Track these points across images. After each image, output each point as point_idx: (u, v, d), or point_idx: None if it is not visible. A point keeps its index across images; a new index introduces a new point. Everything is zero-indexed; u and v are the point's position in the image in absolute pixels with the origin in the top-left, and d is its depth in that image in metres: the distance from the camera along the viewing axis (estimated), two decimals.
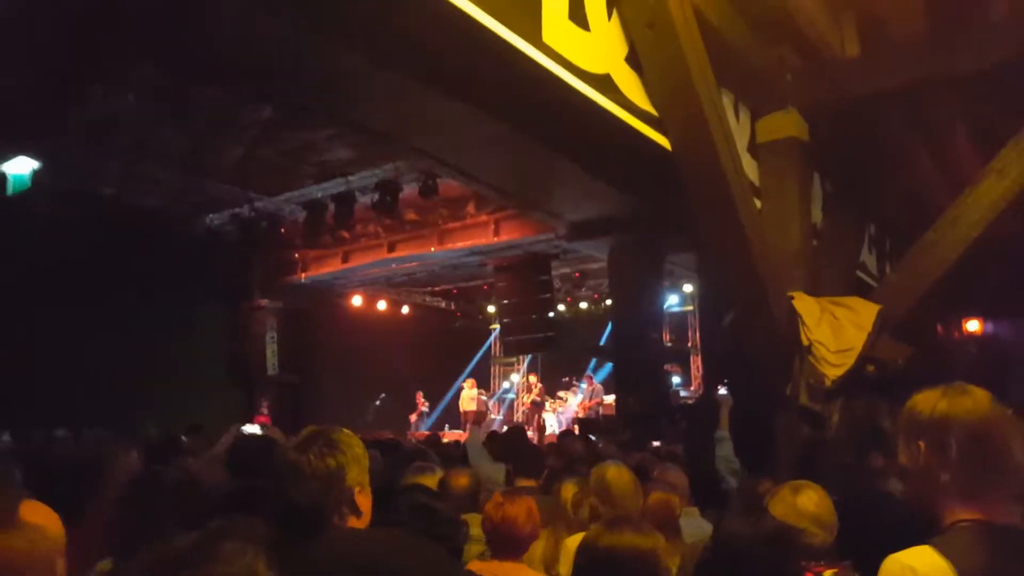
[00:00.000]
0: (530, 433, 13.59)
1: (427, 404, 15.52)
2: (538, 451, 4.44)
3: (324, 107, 6.47)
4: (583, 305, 16.85)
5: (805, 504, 2.47)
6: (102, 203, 10.21)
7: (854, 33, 5.53)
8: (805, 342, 4.47)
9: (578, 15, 4.20)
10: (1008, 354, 10.54)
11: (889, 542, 1.61)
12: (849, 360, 4.29)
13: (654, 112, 4.56)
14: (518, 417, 16.79)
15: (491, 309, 17.12)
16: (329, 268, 13.40)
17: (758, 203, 5.31)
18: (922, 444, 1.64)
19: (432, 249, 12.30)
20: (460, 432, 13.75)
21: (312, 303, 14.39)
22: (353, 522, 1.71)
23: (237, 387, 13.07)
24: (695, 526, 3.37)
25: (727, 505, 3.66)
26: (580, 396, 14.79)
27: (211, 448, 4.96)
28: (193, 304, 12.10)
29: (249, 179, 10.27)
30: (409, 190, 9.70)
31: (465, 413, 14.85)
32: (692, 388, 14.29)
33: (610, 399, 12.84)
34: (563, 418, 14.31)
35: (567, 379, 15.42)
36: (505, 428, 11.97)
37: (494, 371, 18.75)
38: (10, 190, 8.55)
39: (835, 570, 2.26)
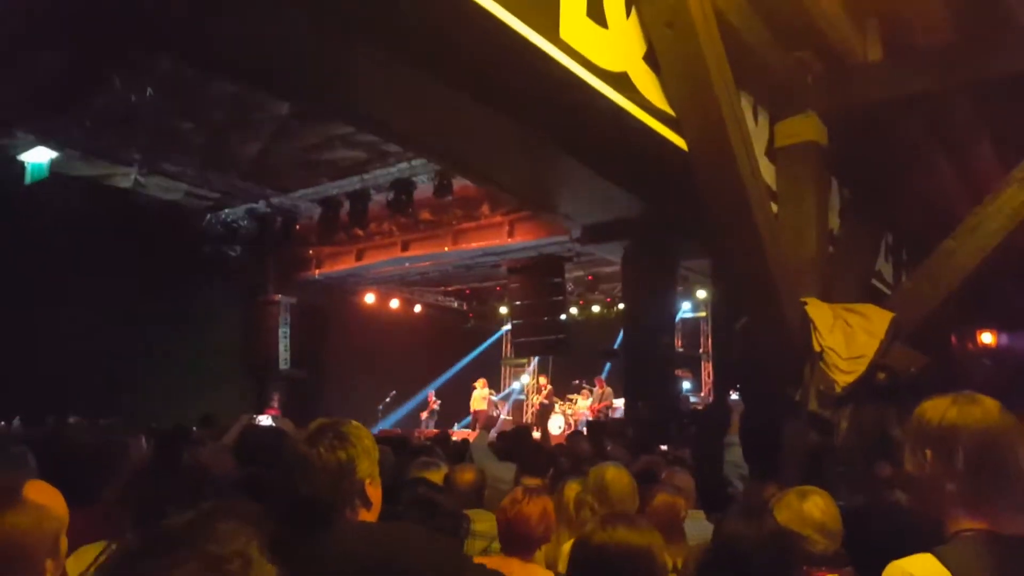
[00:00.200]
0: (537, 434, 13.58)
1: (438, 403, 15.55)
2: (544, 451, 4.43)
3: (339, 104, 6.50)
4: (595, 308, 16.80)
5: (811, 510, 2.45)
6: (118, 195, 10.32)
7: (878, 38, 5.48)
8: (817, 348, 4.43)
9: (596, 12, 4.19)
10: (1021, 367, 10.40)
11: (895, 551, 1.58)
12: (860, 367, 4.24)
13: (671, 112, 4.53)
14: (527, 418, 16.77)
15: (503, 310, 17.11)
16: (343, 265, 13.47)
17: (774, 207, 5.27)
18: (929, 452, 1.62)
19: (446, 249, 12.33)
20: (470, 431, 13.76)
21: (325, 300, 14.47)
22: (364, 515, 1.70)
23: (249, 381, 13.18)
24: (701, 529, 3.34)
25: (733, 508, 3.63)
26: (591, 399, 14.76)
27: (221, 439, 4.99)
28: (207, 298, 12.21)
29: (265, 175, 10.35)
30: (424, 189, 9.74)
31: (476, 412, 14.85)
32: (702, 394, 14.22)
33: (620, 402, 12.79)
34: (572, 420, 14.28)
35: (577, 382, 15.39)
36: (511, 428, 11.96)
37: (504, 372, 18.74)
38: (28, 179, 8.66)
39: (836, 575, 2.24)
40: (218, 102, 8.11)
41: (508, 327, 16.47)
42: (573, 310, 15.91)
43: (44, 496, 1.51)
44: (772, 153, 5.64)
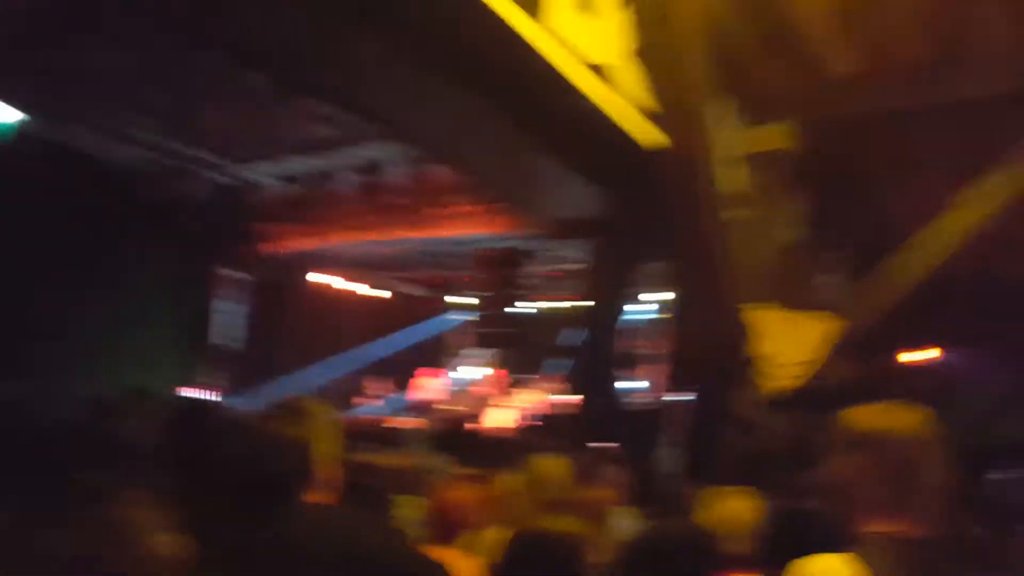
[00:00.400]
0: (483, 425, 13.58)
1: (384, 389, 15.40)
2: (481, 441, 4.43)
3: (310, 80, 6.37)
4: (559, 304, 16.85)
5: (732, 511, 2.48)
6: (73, 156, 9.98)
7: (856, 53, 5.56)
8: (757, 353, 4.49)
9: (585, 1, 4.15)
10: (954, 382, 10.74)
11: (813, 553, 1.61)
12: (797, 373, 4.32)
13: (648, 109, 4.53)
14: (478, 409, 16.76)
15: (464, 300, 17.05)
16: (304, 245, 13.22)
17: (740, 212, 5.32)
18: (848, 458, 1.65)
19: (412, 235, 12.21)
20: (416, 419, 13.69)
21: (282, 278, 14.22)
22: (322, 496, 1.65)
23: (198, 356, 12.90)
24: (631, 524, 3.36)
25: (663, 506, 3.67)
26: (542, 393, 14.81)
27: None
28: (159, 268, 11.89)
29: (228, 145, 10.10)
30: (393, 173, 9.62)
31: (424, 401, 14.79)
32: (652, 394, 14.35)
33: (568, 398, 12.84)
34: (520, 413, 14.30)
35: (530, 375, 15.43)
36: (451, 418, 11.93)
37: (457, 362, 18.69)
38: None
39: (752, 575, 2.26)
40: (184, 68, 7.89)
41: (468, 317, 16.44)
42: (535, 304, 15.93)
43: None
44: (744, 158, 5.69)
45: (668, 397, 6.91)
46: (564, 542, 2.01)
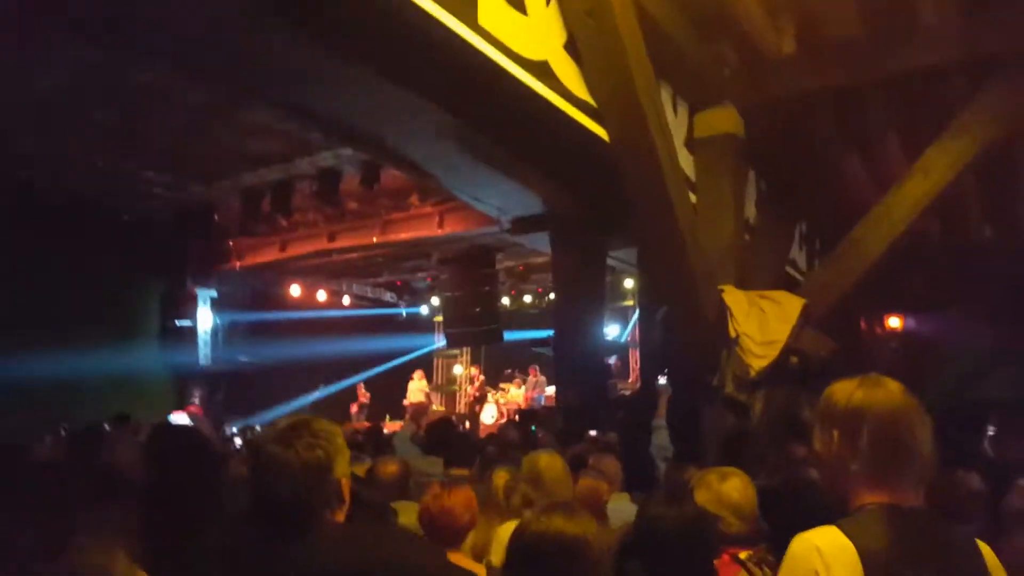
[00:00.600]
0: (468, 424, 13.61)
1: (368, 395, 15.34)
2: (468, 440, 4.44)
3: (257, 88, 6.29)
4: (527, 299, 16.90)
5: (729, 492, 2.53)
6: (25, 185, 9.72)
7: (792, 33, 5.65)
8: (733, 334, 4.58)
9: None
10: (926, 349, 11.05)
11: (805, 527, 1.65)
12: (773, 352, 4.42)
13: (592, 102, 4.55)
14: (460, 409, 16.77)
15: (435, 301, 17.01)
16: (266, 257, 13.08)
17: (693, 198, 5.39)
18: (836, 433, 1.69)
19: (374, 240, 12.13)
20: (402, 423, 13.64)
21: (248, 292, 14.03)
22: (339, 516, 1.64)
23: (168, 377, 12.67)
24: (626, 511, 3.41)
25: (657, 490, 3.73)
26: (524, 388, 14.87)
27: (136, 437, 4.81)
28: (123, 292, 11.67)
29: (183, 164, 9.93)
30: (350, 179, 9.54)
31: (412, 405, 14.75)
32: (630, 380, 14.52)
33: (552, 390, 12.93)
34: (505, 409, 14.35)
35: (510, 371, 15.47)
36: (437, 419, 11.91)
37: (437, 363, 18.66)
38: None
39: (750, 551, 2.33)
40: (132, 89, 7.73)
41: (440, 318, 16.39)
42: (505, 300, 15.96)
43: None
44: (691, 144, 5.76)
45: (652, 382, 6.99)
46: (560, 538, 2.02)
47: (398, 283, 17.13)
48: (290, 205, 10.07)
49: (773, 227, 6.52)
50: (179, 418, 10.30)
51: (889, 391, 1.67)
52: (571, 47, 4.44)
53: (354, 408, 14.90)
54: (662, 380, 6.87)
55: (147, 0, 4.64)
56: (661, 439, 4.47)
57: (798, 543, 1.58)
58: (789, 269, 7.21)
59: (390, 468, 3.32)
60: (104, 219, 11.00)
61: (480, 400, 15.13)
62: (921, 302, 11.51)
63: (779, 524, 2.45)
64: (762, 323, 4.53)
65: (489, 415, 13.86)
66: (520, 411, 12.94)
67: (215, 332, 13.30)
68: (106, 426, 6.19)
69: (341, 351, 15.05)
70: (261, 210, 10.18)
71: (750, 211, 6.42)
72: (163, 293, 12.96)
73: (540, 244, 11.01)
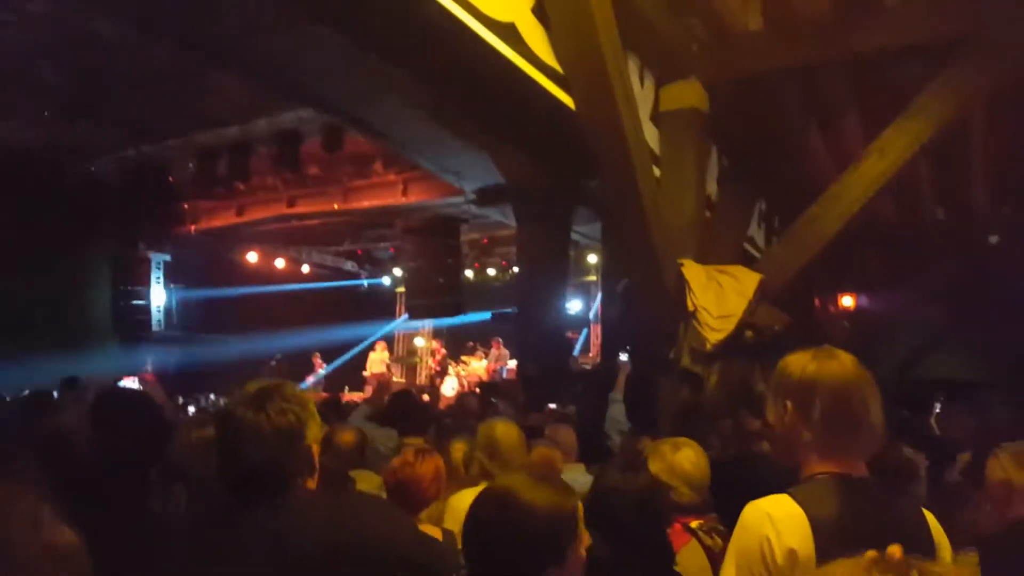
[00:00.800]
0: (428, 396, 13.59)
1: (324, 365, 15.18)
2: (424, 409, 4.43)
3: (214, 49, 6.07)
4: (491, 271, 16.86)
5: (681, 462, 2.56)
6: None
7: (759, 9, 5.64)
8: (691, 307, 4.62)
9: None
10: (877, 328, 11.37)
11: (759, 496, 1.67)
12: (729, 325, 4.47)
13: (559, 69, 4.47)
14: (421, 381, 16.74)
15: (397, 271, 16.85)
16: (222, 221, 12.76)
17: (657, 171, 5.38)
18: (789, 403, 1.71)
19: (335, 207, 11.92)
20: (361, 394, 13.57)
21: (203, 257, 13.71)
22: (310, 483, 1.61)
23: (120, 343, 12.38)
24: (580, 481, 3.44)
25: (611, 461, 3.77)
26: (485, 360, 14.89)
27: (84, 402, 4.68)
28: (74, 254, 11.29)
29: (136, 122, 9.56)
30: (312, 142, 9.30)
31: (372, 376, 14.64)
32: (591, 355, 14.65)
33: (514, 363, 12.97)
34: (467, 382, 14.37)
35: (472, 344, 15.46)
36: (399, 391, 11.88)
37: (398, 335, 18.55)
38: None
39: (701, 520, 2.36)
40: (86, 42, 7.40)
41: (402, 289, 16.26)
42: (469, 273, 15.88)
43: None
44: (656, 118, 5.74)
45: (613, 356, 7.06)
46: (528, 501, 2.02)
47: (359, 252, 16.91)
48: (248, 168, 9.79)
49: (733, 204, 6.56)
50: (130, 384, 10.08)
51: (842, 363, 1.70)
52: (539, 10, 4.34)
53: (310, 379, 14.73)
54: (623, 356, 6.94)
55: None
56: (616, 412, 4.51)
57: (750, 510, 1.60)
58: (747, 246, 7.29)
59: (347, 437, 3.29)
60: (49, 176, 10.58)
61: (441, 373, 15.11)
62: (874, 282, 11.81)
63: (730, 495, 2.49)
64: (719, 297, 4.57)
65: (450, 387, 13.86)
66: (481, 383, 12.97)
67: (168, 298, 13.00)
68: (55, 393, 6.06)
69: (297, 320, 14.86)
70: (217, 172, 9.88)
71: (711, 188, 6.44)
72: (114, 256, 12.58)
73: (504, 216, 10.96)
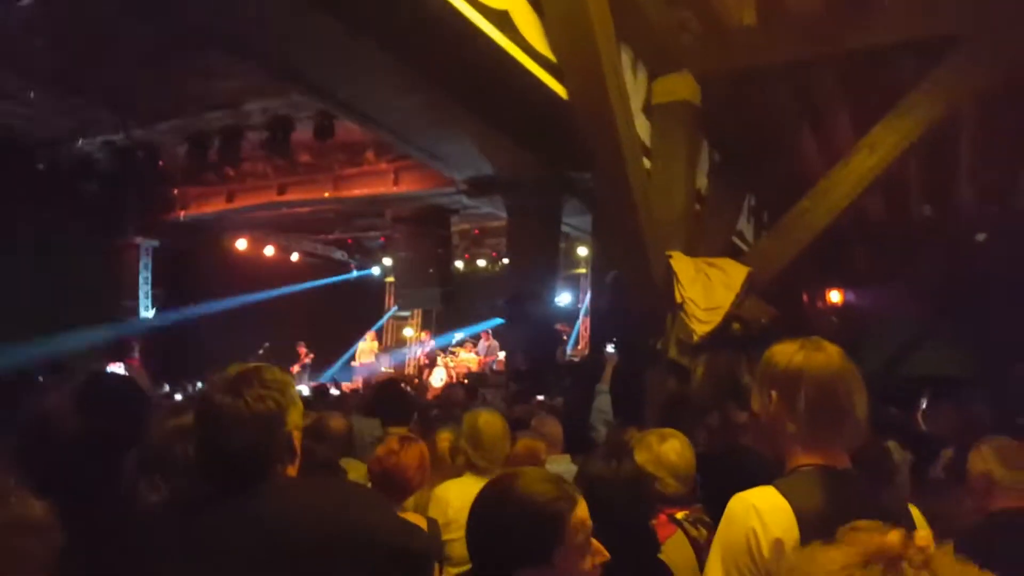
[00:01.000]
0: (413, 386, 13.58)
1: (311, 356, 15.12)
2: (407, 398, 4.42)
3: (210, 30, 6.01)
4: (481, 263, 16.85)
5: (667, 453, 2.56)
6: None
7: (753, 3, 5.63)
8: (679, 299, 4.63)
9: None
10: (864, 324, 11.45)
11: (745, 488, 1.67)
12: (717, 318, 4.49)
13: (552, 58, 4.45)
14: (409, 372, 16.75)
15: (387, 261, 16.81)
16: (212, 208, 12.69)
17: (647, 163, 5.37)
18: (774, 394, 1.71)
19: (326, 195, 11.86)
20: (350, 384, 13.56)
21: (192, 243, 13.61)
22: (291, 471, 1.59)
23: (107, 328, 12.28)
24: (565, 472, 3.45)
25: (597, 451, 3.78)
26: (474, 352, 14.91)
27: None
28: (60, 238, 11.17)
29: (126, 104, 9.45)
30: (303, 130, 9.24)
31: (361, 365, 14.62)
32: (580, 347, 14.68)
33: (497, 355, 13.00)
34: (455, 373, 14.39)
35: (456, 334, 15.47)
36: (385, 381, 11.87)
37: (387, 325, 18.53)
38: None
39: (687, 511, 2.37)
40: (75, 18, 7.29)
41: (392, 279, 16.21)
42: (459, 264, 15.86)
43: None
44: (648, 110, 5.73)
45: (600, 348, 7.06)
46: (514, 495, 2.01)
47: (349, 241, 16.84)
48: (239, 154, 9.72)
49: (723, 197, 6.57)
50: (116, 369, 10.02)
51: (828, 354, 1.70)
52: None
53: (295, 369, 14.67)
54: (611, 348, 6.97)
55: None
56: (602, 404, 4.52)
57: (736, 502, 1.60)
58: (736, 240, 7.31)
59: (337, 423, 3.28)
60: (38, 157, 10.46)
61: (430, 364, 15.11)
62: (862, 278, 11.88)
63: (716, 486, 2.50)
64: (707, 289, 4.58)
65: (438, 378, 13.87)
66: (469, 374, 12.98)
67: (157, 284, 12.91)
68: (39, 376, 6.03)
69: (286, 309, 14.79)
70: (208, 158, 9.80)
71: (701, 182, 6.45)
72: (101, 241, 12.47)
73: (495, 207, 10.94)
